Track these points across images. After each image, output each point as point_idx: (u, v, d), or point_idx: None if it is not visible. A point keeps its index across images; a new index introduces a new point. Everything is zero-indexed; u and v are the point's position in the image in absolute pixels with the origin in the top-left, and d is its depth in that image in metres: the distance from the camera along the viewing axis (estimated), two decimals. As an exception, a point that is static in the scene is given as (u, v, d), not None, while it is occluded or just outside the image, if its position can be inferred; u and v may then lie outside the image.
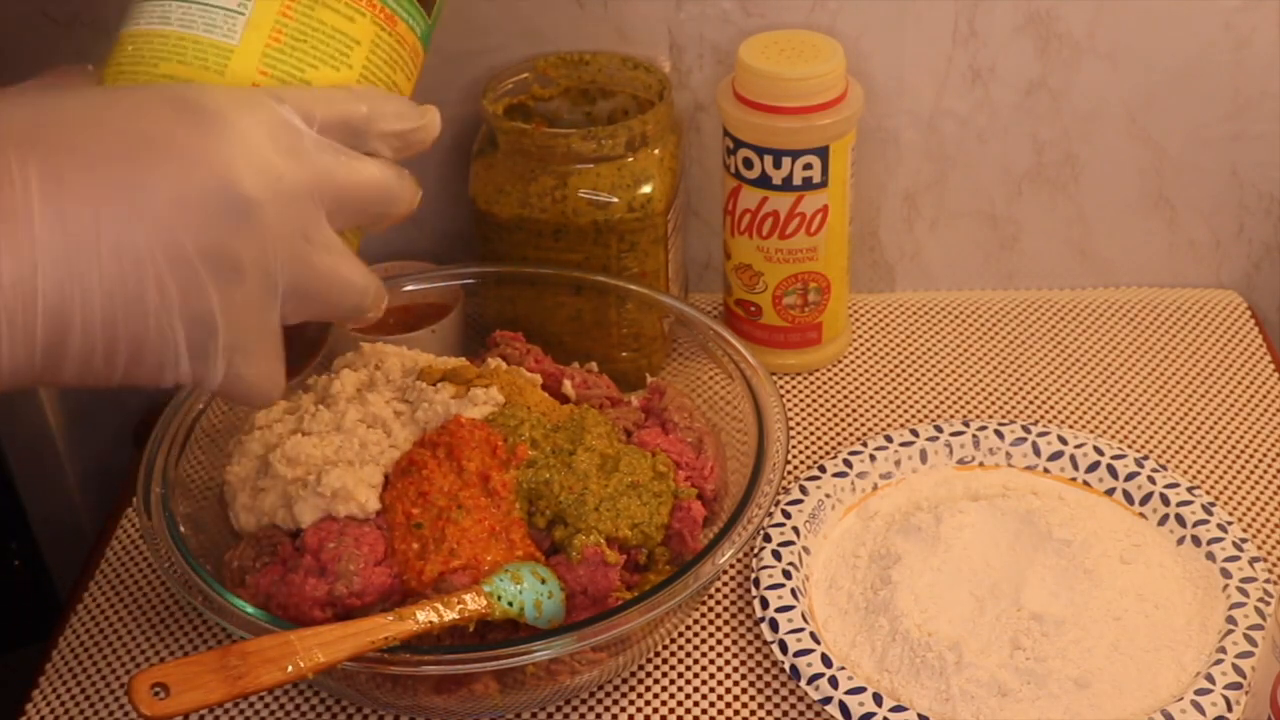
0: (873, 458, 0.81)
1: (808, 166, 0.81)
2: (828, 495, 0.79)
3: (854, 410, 0.89)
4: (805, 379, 0.92)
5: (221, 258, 0.47)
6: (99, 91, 0.51)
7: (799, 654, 0.69)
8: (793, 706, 0.70)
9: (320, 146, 0.50)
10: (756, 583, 0.73)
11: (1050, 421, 0.87)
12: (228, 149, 0.47)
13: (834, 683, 0.67)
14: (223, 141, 0.47)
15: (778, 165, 0.81)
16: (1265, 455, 0.84)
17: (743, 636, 0.74)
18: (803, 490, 0.79)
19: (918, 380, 0.91)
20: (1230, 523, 0.76)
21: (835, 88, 0.81)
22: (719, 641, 0.74)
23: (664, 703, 0.71)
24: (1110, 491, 0.79)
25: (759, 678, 0.72)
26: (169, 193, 0.46)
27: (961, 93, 0.90)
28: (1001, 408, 0.88)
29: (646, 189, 0.82)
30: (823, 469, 0.80)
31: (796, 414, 0.88)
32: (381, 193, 0.53)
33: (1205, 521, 0.76)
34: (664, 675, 0.72)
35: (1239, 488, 0.82)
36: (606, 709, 0.70)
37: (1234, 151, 0.92)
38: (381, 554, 0.66)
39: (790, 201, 0.82)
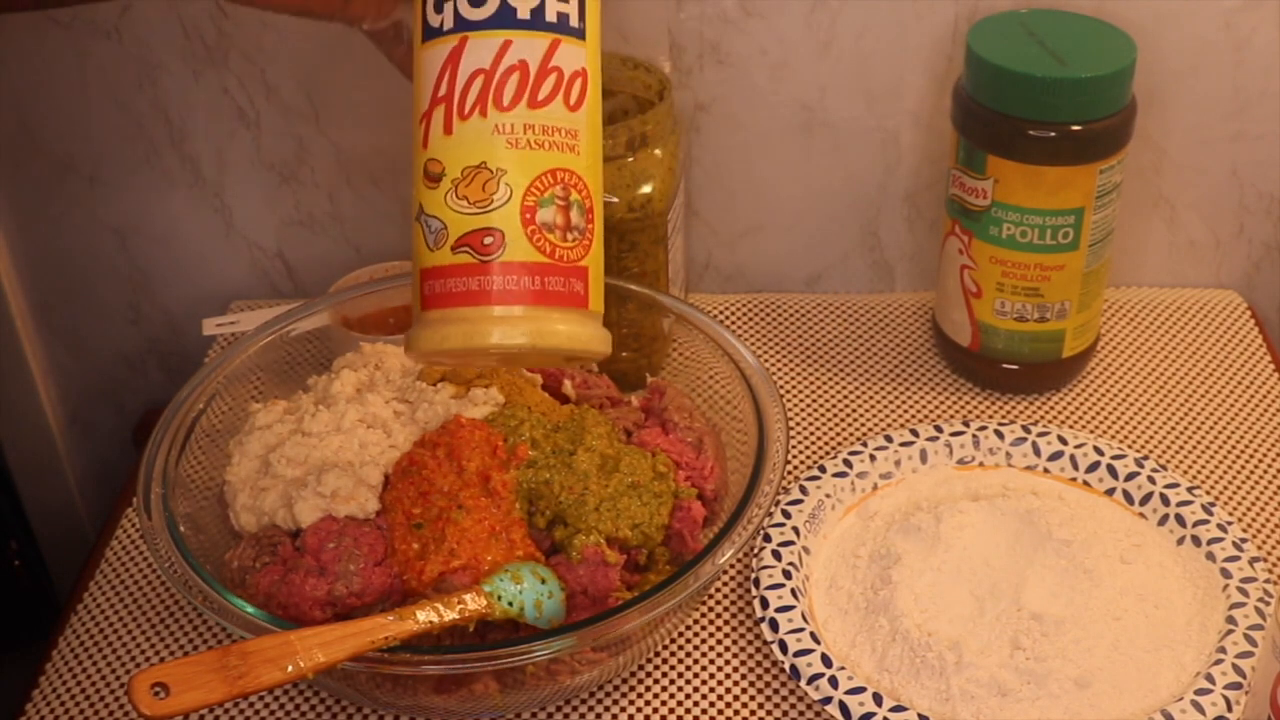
0: (873, 458, 0.81)
1: None
2: (828, 495, 0.79)
3: (854, 410, 0.89)
4: (806, 380, 0.92)
5: None
6: None
7: (799, 654, 0.69)
8: (793, 706, 0.70)
9: None
10: (756, 583, 0.73)
11: (1050, 421, 0.87)
12: None
13: (834, 683, 0.67)
14: None
15: None
16: (1265, 455, 0.84)
17: (743, 636, 0.74)
18: (803, 490, 0.79)
19: (918, 380, 0.91)
20: (1230, 523, 0.76)
21: None
22: (719, 641, 0.74)
23: (664, 703, 0.71)
24: (1110, 491, 0.80)
25: (759, 678, 0.72)
26: None
27: (961, 93, 0.90)
28: (1001, 408, 0.88)
29: (646, 189, 0.82)
30: (823, 469, 0.80)
31: (796, 414, 0.88)
32: None
33: (1205, 521, 0.76)
34: (664, 675, 0.72)
35: (1239, 488, 0.82)
36: (606, 709, 0.70)
37: (1234, 151, 0.93)
38: (381, 554, 0.66)
39: (544, 48, 0.60)
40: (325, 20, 0.66)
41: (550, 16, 0.60)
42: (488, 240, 0.59)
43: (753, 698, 0.71)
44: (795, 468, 0.84)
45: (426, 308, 0.61)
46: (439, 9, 0.60)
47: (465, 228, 0.59)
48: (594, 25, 0.62)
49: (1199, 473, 0.83)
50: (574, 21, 0.61)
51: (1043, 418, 0.87)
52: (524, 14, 0.60)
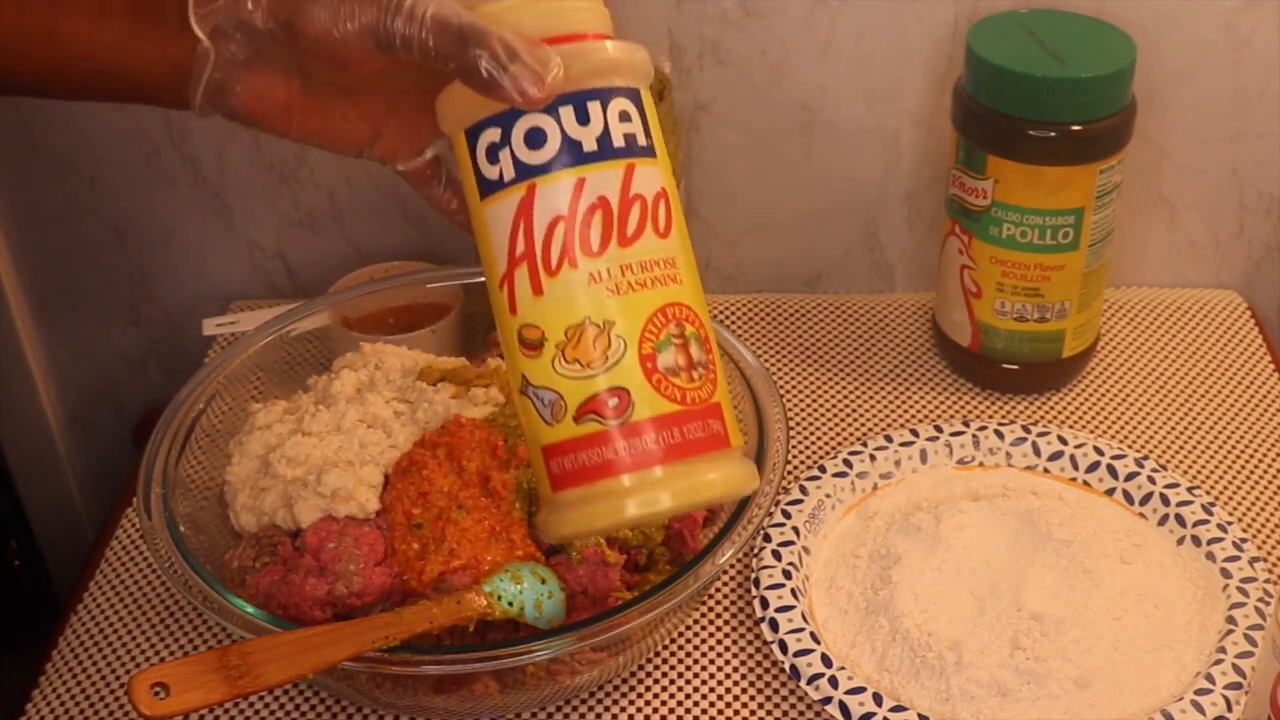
0: (873, 458, 0.81)
1: (624, 117, 0.55)
2: (828, 495, 0.79)
3: (854, 410, 0.89)
4: (806, 380, 0.92)
5: None
6: None
7: (799, 654, 0.69)
8: (793, 706, 0.70)
9: None
10: (756, 583, 0.73)
11: (1050, 421, 0.87)
12: None
13: (834, 683, 0.67)
14: None
15: (583, 118, 0.54)
16: (1265, 455, 0.84)
17: (743, 636, 0.74)
18: (803, 490, 0.79)
19: (918, 380, 0.91)
20: (1230, 523, 0.76)
21: (607, 22, 0.57)
22: (719, 641, 0.74)
23: (664, 703, 0.71)
24: (1110, 491, 0.80)
25: (759, 678, 0.72)
26: None
27: (961, 93, 0.90)
28: (1001, 408, 0.88)
29: (646, 189, 0.82)
30: (823, 469, 0.80)
31: (796, 414, 0.88)
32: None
33: (1205, 521, 0.76)
34: (664, 675, 0.72)
35: (1239, 488, 0.82)
36: (606, 709, 0.70)
37: (1234, 151, 0.93)
38: (381, 554, 0.66)
39: (619, 178, 0.54)
40: (353, 157, 0.61)
41: (618, 141, 0.54)
42: (613, 402, 0.53)
43: (753, 698, 0.71)
44: (795, 468, 0.84)
45: (560, 488, 0.54)
46: (493, 159, 0.54)
47: (584, 394, 0.54)
48: (659, 140, 0.57)
49: (1199, 473, 0.83)
50: (642, 140, 0.55)
51: (1043, 418, 0.87)
52: (590, 145, 0.54)
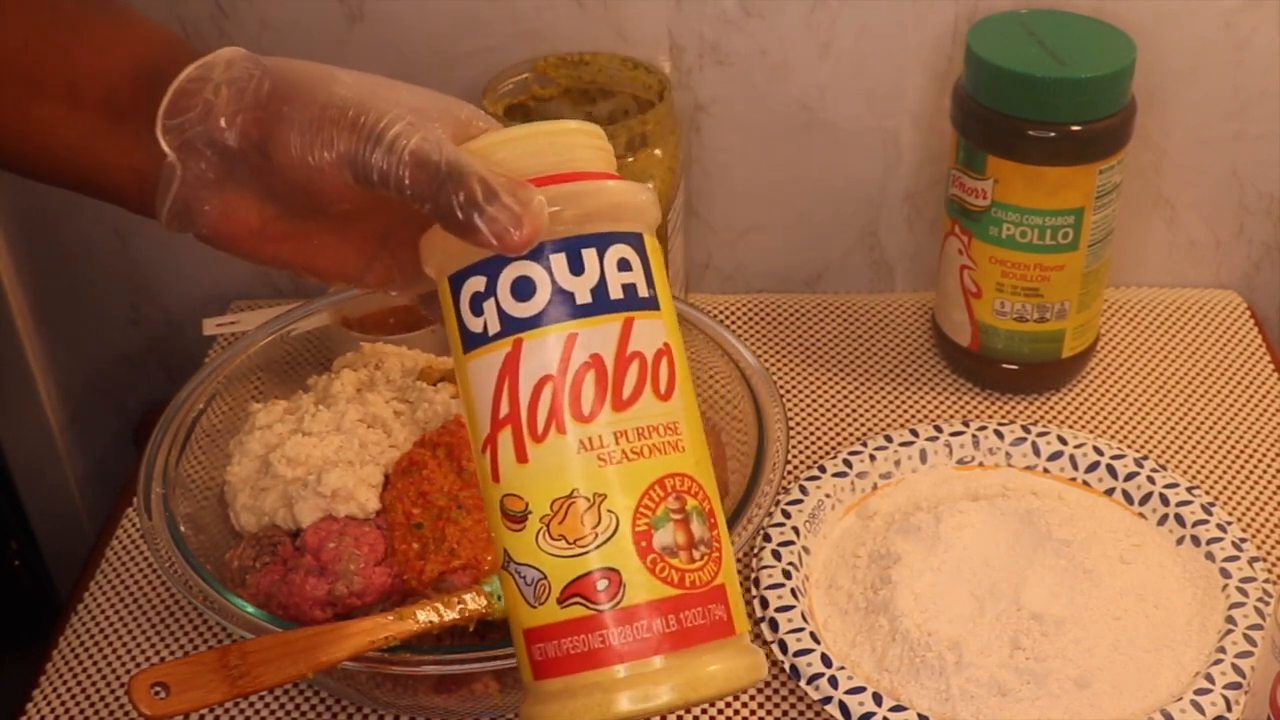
0: (873, 458, 0.81)
1: (624, 266, 0.49)
2: (828, 495, 0.79)
3: (854, 410, 0.89)
4: (806, 380, 0.92)
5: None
6: None
7: (799, 654, 0.69)
8: (793, 706, 0.70)
9: None
10: (756, 583, 0.73)
11: (1050, 421, 0.87)
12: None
13: (834, 683, 0.67)
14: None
15: (576, 267, 0.49)
16: (1265, 455, 0.84)
17: (743, 636, 0.74)
18: (803, 490, 0.79)
19: (918, 380, 0.91)
20: (1230, 523, 0.76)
21: (609, 158, 0.53)
22: (719, 641, 0.74)
23: (664, 703, 0.70)
24: (1110, 491, 0.80)
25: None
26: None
27: (961, 93, 0.90)
28: (1001, 408, 0.88)
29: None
30: (823, 469, 0.80)
31: (796, 414, 0.88)
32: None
33: (1205, 521, 0.76)
34: (664, 675, 0.72)
35: (1238, 488, 0.82)
36: (606, 709, 0.70)
37: (1234, 151, 0.93)
38: (381, 554, 0.66)
39: (616, 333, 0.49)
40: (344, 284, 0.57)
41: (616, 293, 0.49)
42: (603, 585, 0.48)
43: (753, 697, 0.71)
44: (795, 468, 0.84)
45: (541, 676, 0.49)
46: (477, 309, 0.49)
47: (570, 574, 0.48)
48: (664, 289, 0.51)
49: (1198, 473, 0.83)
50: (643, 291, 0.50)
51: (1042, 418, 0.87)
52: (584, 297, 0.48)
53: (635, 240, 0.50)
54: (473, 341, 0.49)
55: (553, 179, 0.49)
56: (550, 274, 0.48)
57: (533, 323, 0.48)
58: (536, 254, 0.48)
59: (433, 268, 0.51)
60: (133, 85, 0.52)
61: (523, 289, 0.48)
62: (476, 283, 0.49)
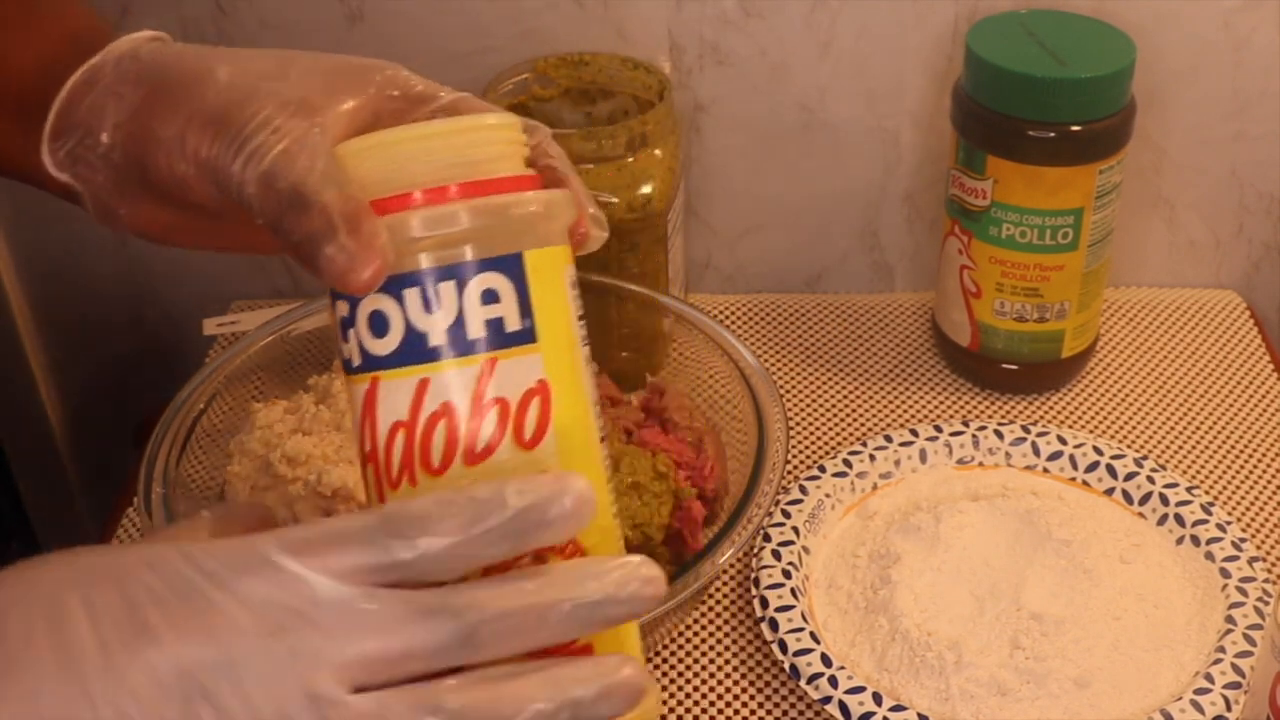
0: (873, 458, 0.81)
1: (490, 298, 0.43)
2: (828, 495, 0.79)
3: (854, 410, 0.89)
4: (806, 380, 0.92)
5: None
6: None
7: (799, 653, 0.69)
8: (793, 706, 0.70)
9: (331, 601, 0.39)
10: (756, 582, 0.73)
11: (1050, 421, 0.87)
12: (192, 626, 0.39)
13: (834, 682, 0.67)
14: (192, 619, 0.39)
15: (430, 303, 0.43)
16: (1265, 455, 0.84)
17: (743, 636, 0.74)
18: (803, 490, 0.79)
19: (918, 380, 0.91)
20: (1229, 522, 0.76)
21: (509, 159, 0.46)
22: (719, 641, 0.74)
23: (664, 703, 0.70)
24: (1110, 491, 0.80)
25: (759, 677, 0.72)
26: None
27: (961, 93, 0.90)
28: (1001, 408, 0.88)
29: (646, 189, 0.82)
30: (823, 469, 0.80)
31: (796, 414, 0.88)
32: (426, 635, 0.39)
33: (1204, 521, 0.76)
34: (664, 675, 0.72)
35: (1238, 488, 0.82)
36: (606, 709, 0.70)
37: (1234, 151, 0.93)
38: (381, 554, 0.66)
39: (473, 376, 0.43)
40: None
41: (475, 331, 0.43)
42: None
43: (753, 697, 0.71)
44: (795, 468, 0.84)
45: None
46: (344, 336, 0.45)
47: None
48: (552, 313, 0.45)
49: (1198, 473, 0.83)
50: (513, 324, 0.44)
51: (1042, 418, 0.87)
52: (437, 338, 0.43)
53: (509, 264, 0.44)
54: (345, 366, 0.45)
55: (399, 200, 0.44)
56: (403, 311, 0.43)
57: (387, 362, 0.44)
58: (391, 287, 0.43)
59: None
60: (36, 88, 0.51)
61: (379, 324, 0.44)
62: (343, 307, 0.45)
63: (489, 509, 0.39)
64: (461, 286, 0.43)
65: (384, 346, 0.43)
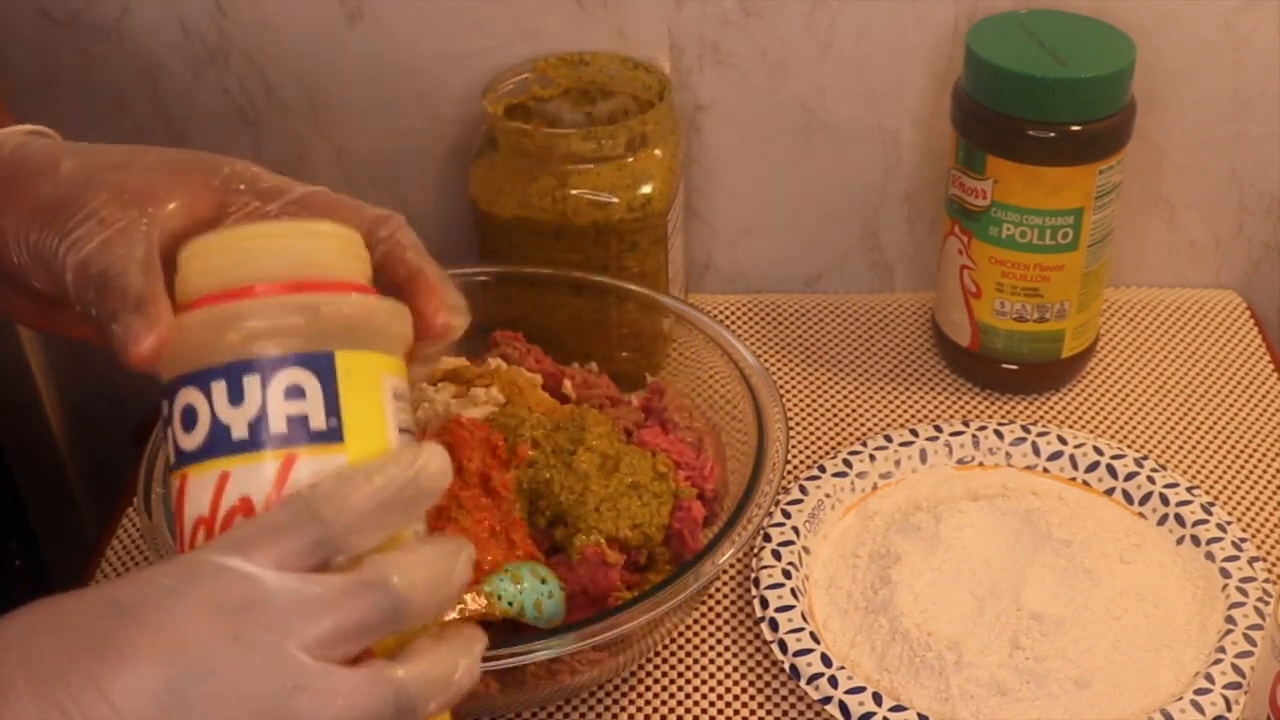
0: (873, 458, 0.81)
1: (294, 394, 0.44)
2: (828, 495, 0.79)
3: (854, 410, 0.89)
4: (806, 380, 0.92)
5: None
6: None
7: (799, 654, 0.69)
8: (792, 706, 0.70)
9: (281, 587, 0.41)
10: (756, 582, 0.73)
11: (1050, 421, 0.87)
12: (160, 637, 0.40)
13: (834, 682, 0.67)
14: (156, 631, 0.40)
15: (235, 397, 0.44)
16: (1265, 455, 0.84)
17: (743, 636, 0.74)
18: (803, 490, 0.79)
19: (918, 380, 0.91)
20: (1229, 522, 0.76)
21: (340, 262, 0.47)
22: (719, 641, 0.74)
23: (664, 703, 0.71)
24: (1110, 491, 0.80)
25: (759, 678, 0.72)
26: (101, 694, 0.40)
27: (961, 93, 0.90)
28: (1001, 408, 0.88)
29: (646, 189, 0.82)
30: (823, 469, 0.80)
31: (796, 414, 0.88)
32: (370, 602, 0.42)
33: (1204, 521, 0.76)
34: (664, 675, 0.72)
35: (1238, 488, 0.82)
36: (606, 709, 0.70)
37: (1234, 151, 0.93)
38: (381, 554, 0.66)
39: (273, 472, 0.44)
40: None
41: (277, 426, 0.43)
42: None
43: (753, 698, 0.71)
44: (795, 468, 0.84)
45: None
46: (163, 435, 0.46)
47: None
48: (364, 413, 0.45)
49: (1198, 473, 0.83)
50: (317, 422, 0.44)
51: (1042, 418, 0.87)
52: (240, 431, 0.43)
53: (317, 362, 0.44)
54: (167, 465, 0.46)
55: (228, 295, 0.44)
56: (210, 404, 0.44)
57: (194, 457, 0.44)
58: (201, 380, 0.44)
59: (162, 373, 0.47)
60: None
61: (189, 419, 0.44)
62: (164, 407, 0.46)
63: (382, 481, 0.43)
64: (266, 381, 0.44)
65: (192, 441, 0.44)
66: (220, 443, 0.44)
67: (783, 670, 0.71)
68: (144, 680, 0.40)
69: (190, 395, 0.44)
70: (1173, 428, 0.87)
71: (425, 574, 0.43)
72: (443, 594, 0.44)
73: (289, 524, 0.42)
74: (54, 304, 0.52)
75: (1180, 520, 0.76)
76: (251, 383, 0.44)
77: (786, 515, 0.77)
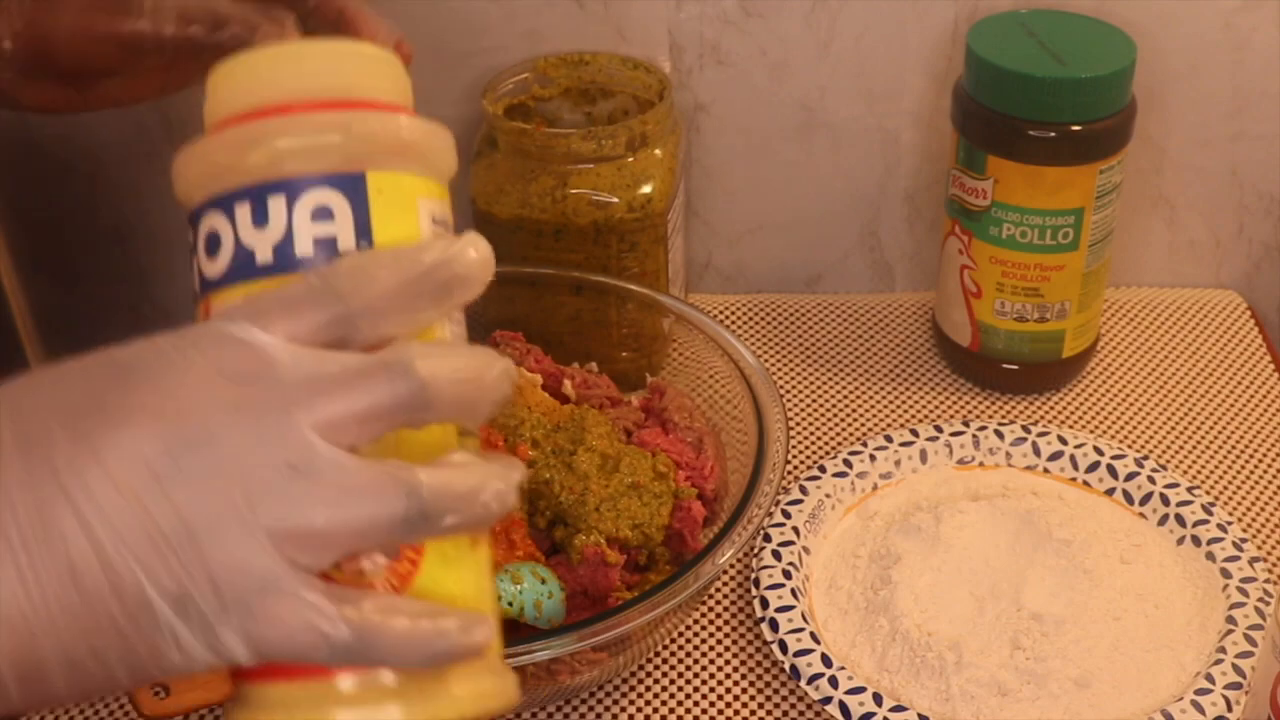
0: (873, 458, 0.81)
1: (322, 215, 0.42)
2: (828, 495, 0.79)
3: (854, 410, 0.89)
4: (806, 380, 0.92)
5: (170, 523, 0.38)
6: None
7: (799, 654, 0.69)
8: (793, 706, 0.70)
9: (290, 358, 0.39)
10: (756, 583, 0.73)
11: (1050, 421, 0.87)
12: (159, 399, 0.39)
13: (834, 683, 0.67)
14: (154, 392, 0.39)
15: (260, 218, 0.42)
16: (1265, 455, 0.84)
17: (743, 636, 0.74)
18: (803, 490, 0.79)
19: (918, 380, 0.91)
20: (1230, 523, 0.76)
21: (378, 83, 0.44)
22: (719, 641, 0.74)
23: (664, 703, 0.71)
24: (1110, 491, 0.80)
25: (759, 678, 0.72)
26: (96, 457, 0.38)
27: (961, 93, 0.90)
28: (1001, 408, 0.88)
29: (646, 189, 0.82)
30: (823, 469, 0.80)
31: (796, 414, 0.88)
32: (386, 383, 0.39)
33: (1205, 521, 0.76)
34: (664, 675, 0.72)
35: (1239, 488, 0.82)
36: (606, 709, 0.70)
37: (1234, 151, 0.93)
38: (381, 554, 0.66)
39: None
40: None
41: (303, 248, 0.41)
42: None
43: (753, 698, 0.71)
44: (795, 468, 0.84)
45: (251, 679, 0.43)
46: (188, 266, 0.44)
47: None
48: (398, 237, 0.42)
49: (1199, 473, 0.83)
50: (346, 244, 0.42)
51: (1043, 418, 0.87)
52: (265, 255, 0.42)
53: (348, 183, 0.42)
54: (191, 296, 0.44)
55: (255, 114, 0.42)
56: (234, 228, 0.42)
57: (218, 284, 0.43)
58: (224, 203, 0.42)
59: (182, 199, 0.45)
60: None
61: (213, 244, 0.42)
62: (189, 235, 0.44)
63: (409, 261, 0.40)
64: (293, 202, 0.41)
65: (215, 268, 0.42)
66: (244, 267, 0.42)
67: (783, 670, 0.71)
68: (140, 444, 0.38)
69: (214, 220, 0.42)
70: (1173, 428, 0.87)
71: (452, 366, 0.40)
72: (471, 395, 0.40)
73: (304, 297, 0.40)
74: (98, 81, 0.63)
75: (1181, 520, 0.76)
76: (277, 204, 0.41)
77: (786, 515, 0.77)
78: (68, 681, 0.39)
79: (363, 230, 0.42)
